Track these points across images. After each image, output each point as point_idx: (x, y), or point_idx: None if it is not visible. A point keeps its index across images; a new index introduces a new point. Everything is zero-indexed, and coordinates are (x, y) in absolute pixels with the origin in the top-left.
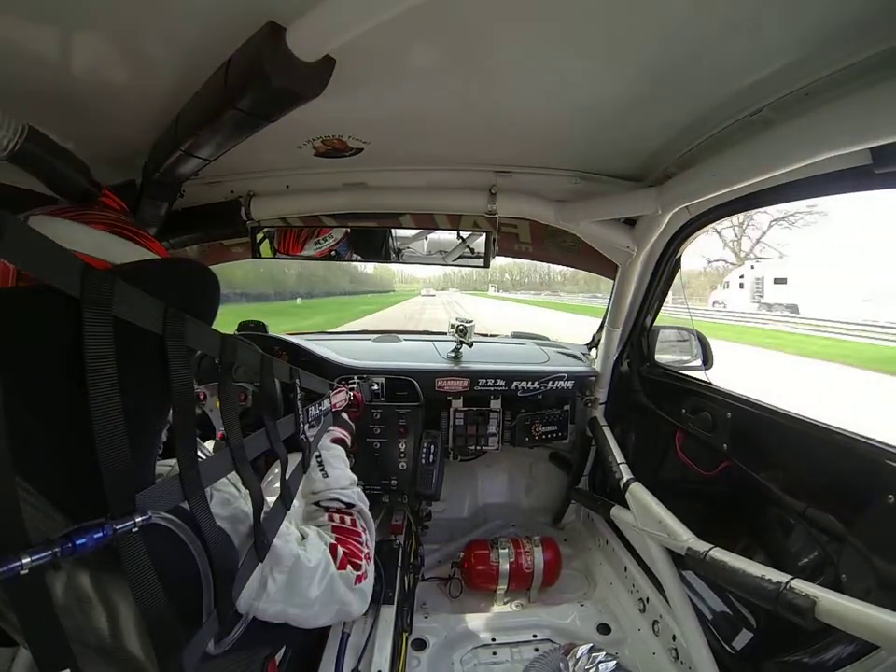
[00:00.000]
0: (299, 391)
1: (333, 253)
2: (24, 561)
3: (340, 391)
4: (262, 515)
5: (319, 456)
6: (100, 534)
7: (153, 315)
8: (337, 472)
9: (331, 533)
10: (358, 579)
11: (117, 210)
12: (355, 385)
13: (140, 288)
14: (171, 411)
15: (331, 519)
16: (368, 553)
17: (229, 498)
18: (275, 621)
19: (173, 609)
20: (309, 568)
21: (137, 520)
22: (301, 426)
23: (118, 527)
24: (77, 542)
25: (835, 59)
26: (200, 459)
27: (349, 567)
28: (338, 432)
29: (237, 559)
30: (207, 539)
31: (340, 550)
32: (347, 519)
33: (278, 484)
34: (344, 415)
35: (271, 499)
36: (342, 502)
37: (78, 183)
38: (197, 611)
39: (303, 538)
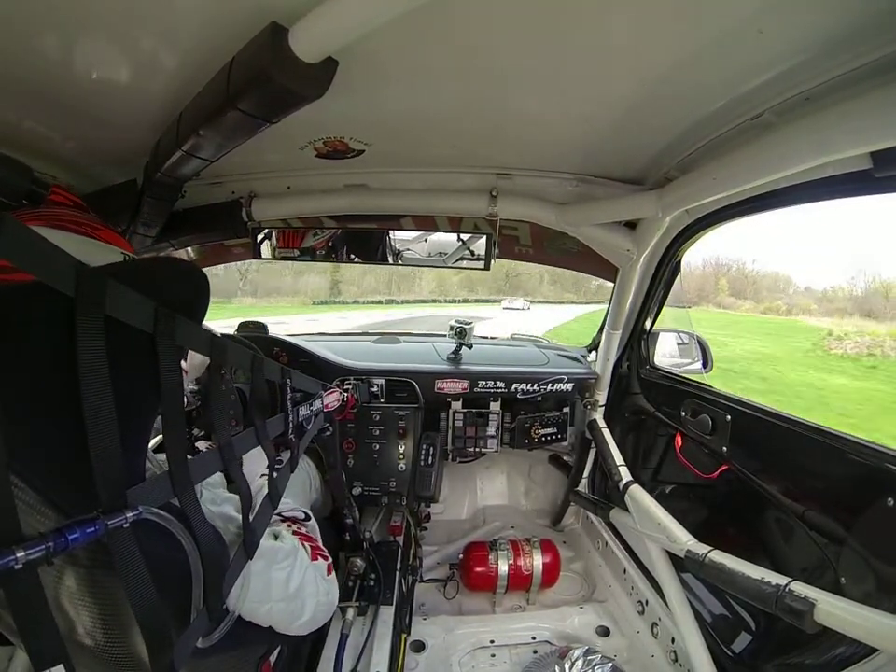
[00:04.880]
0: (289, 391)
1: (331, 245)
2: (19, 555)
3: (333, 392)
4: (251, 514)
5: None
6: (92, 529)
7: (144, 314)
8: (294, 496)
9: (293, 535)
10: (329, 569)
11: (68, 205)
12: (350, 387)
13: (131, 287)
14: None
15: (290, 526)
16: (326, 552)
17: (217, 499)
18: (264, 623)
19: (164, 604)
20: (287, 561)
21: (128, 515)
22: (290, 426)
23: (109, 523)
24: (70, 537)
25: (836, 63)
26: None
27: (319, 558)
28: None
29: (228, 556)
30: (198, 535)
31: (307, 545)
32: (302, 529)
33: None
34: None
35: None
36: (304, 512)
37: (20, 186)
38: (187, 608)
39: (276, 537)
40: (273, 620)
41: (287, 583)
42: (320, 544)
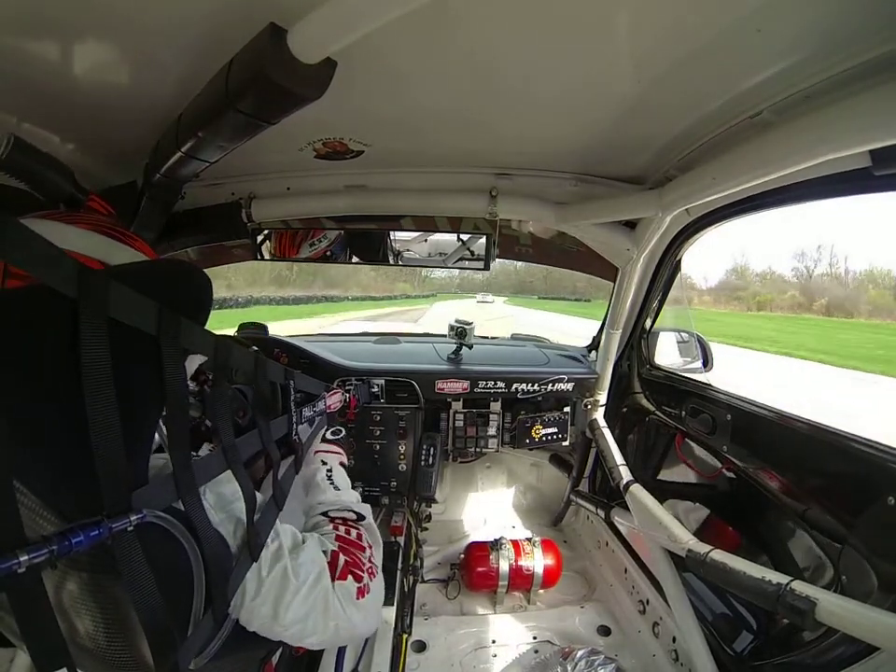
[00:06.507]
0: (293, 392)
1: (329, 254)
2: (22, 559)
3: (335, 393)
4: (256, 515)
5: (330, 471)
6: (96, 532)
7: (147, 316)
8: (348, 490)
9: (334, 541)
10: (360, 592)
11: (103, 213)
12: (351, 388)
13: (134, 289)
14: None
15: (336, 529)
16: (371, 569)
17: (222, 501)
18: (271, 637)
19: (168, 608)
20: (293, 584)
21: (132, 518)
22: (294, 427)
23: (113, 526)
24: (74, 540)
25: (836, 61)
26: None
27: (350, 577)
28: (342, 457)
29: (231, 559)
30: (202, 539)
31: (342, 558)
32: (353, 532)
33: None
34: (329, 435)
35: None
36: (354, 512)
37: (64, 189)
38: (192, 611)
39: (303, 541)
40: (276, 637)
41: (287, 607)
42: (364, 556)
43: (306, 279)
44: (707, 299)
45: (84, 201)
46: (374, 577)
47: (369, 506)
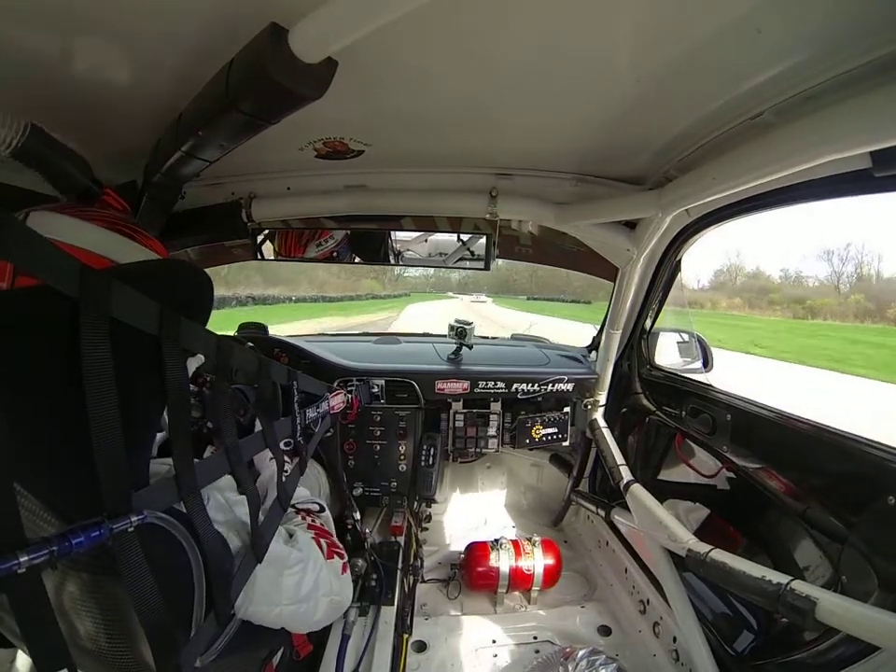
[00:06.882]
0: (296, 393)
1: (335, 254)
2: (22, 560)
3: (338, 394)
4: (260, 517)
5: (286, 472)
6: (96, 533)
7: (149, 316)
8: (303, 487)
9: (308, 530)
10: (344, 567)
11: (118, 209)
12: (353, 389)
13: (136, 289)
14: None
15: (304, 519)
16: (342, 549)
17: (225, 504)
18: (274, 625)
19: (168, 609)
20: (298, 566)
21: (133, 519)
22: (298, 428)
23: (114, 527)
24: (74, 541)
25: (836, 62)
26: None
27: (335, 556)
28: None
29: (233, 561)
30: (203, 541)
31: (323, 542)
32: (317, 521)
33: None
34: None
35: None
36: (318, 504)
37: (80, 181)
38: (191, 613)
39: (290, 536)
40: (284, 622)
41: (297, 588)
42: (336, 539)
43: (240, 275)
44: (738, 301)
45: (100, 194)
46: (344, 557)
47: (322, 500)
